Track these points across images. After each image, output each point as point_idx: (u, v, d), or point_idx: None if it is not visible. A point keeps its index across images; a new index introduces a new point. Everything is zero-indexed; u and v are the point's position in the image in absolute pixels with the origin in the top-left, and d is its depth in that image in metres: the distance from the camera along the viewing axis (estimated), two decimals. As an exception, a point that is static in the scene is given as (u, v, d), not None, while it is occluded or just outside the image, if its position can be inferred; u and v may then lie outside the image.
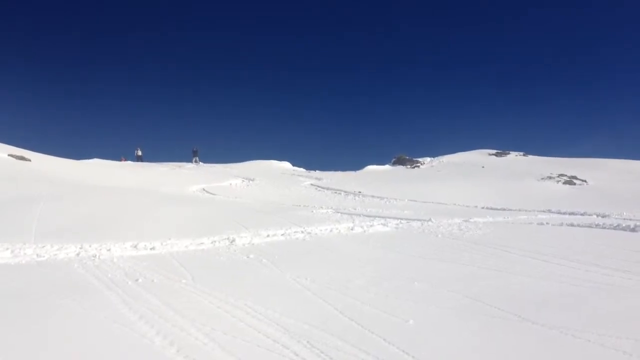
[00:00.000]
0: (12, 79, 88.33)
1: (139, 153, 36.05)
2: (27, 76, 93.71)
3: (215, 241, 9.22)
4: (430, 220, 11.93)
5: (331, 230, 10.63)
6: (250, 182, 24.08)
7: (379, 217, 12.75)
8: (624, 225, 10.54)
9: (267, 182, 24.23)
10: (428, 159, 38.91)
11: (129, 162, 34.17)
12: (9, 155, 21.14)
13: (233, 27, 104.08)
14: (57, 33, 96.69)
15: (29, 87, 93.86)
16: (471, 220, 12.09)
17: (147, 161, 34.98)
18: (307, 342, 4.28)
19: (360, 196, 19.32)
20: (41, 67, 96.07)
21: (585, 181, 24.57)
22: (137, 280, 6.39)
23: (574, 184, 24.14)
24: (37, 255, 7.81)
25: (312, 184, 24.23)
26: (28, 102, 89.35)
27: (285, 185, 23.50)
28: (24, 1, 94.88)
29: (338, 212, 13.71)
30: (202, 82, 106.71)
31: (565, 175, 25.45)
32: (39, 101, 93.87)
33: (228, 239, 9.38)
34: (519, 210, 14.89)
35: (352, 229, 10.80)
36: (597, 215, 13.03)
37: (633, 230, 10.08)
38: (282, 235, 10.00)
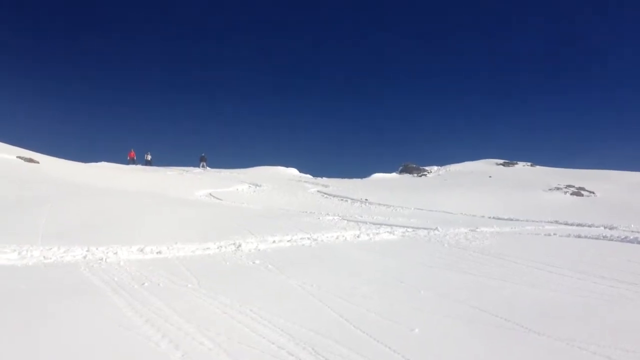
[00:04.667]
0: (21, 82, 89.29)
1: (149, 157, 36.29)
2: (37, 79, 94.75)
3: (221, 246, 9.24)
4: (436, 229, 11.90)
5: (337, 238, 10.62)
6: (257, 187, 24.12)
7: (385, 225, 12.74)
8: (631, 237, 10.47)
9: (274, 188, 24.26)
10: (435, 167, 38.94)
11: (139, 165, 34.34)
12: (17, 157, 21.33)
13: (243, 32, 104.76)
14: (67, 36, 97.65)
15: (38, 90, 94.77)
16: (478, 229, 12.06)
17: (156, 165, 35.18)
18: (312, 349, 4.28)
19: (367, 204, 19.31)
20: (50, 70, 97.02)
21: (593, 192, 24.43)
22: (143, 284, 6.42)
23: (582, 195, 24.01)
24: (44, 257, 7.85)
25: (318, 191, 24.24)
26: (38, 105, 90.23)
27: (292, 191, 23.53)
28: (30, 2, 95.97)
29: (344, 220, 13.70)
30: (212, 87, 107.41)
31: (573, 187, 25.33)
32: (49, 104, 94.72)
33: (234, 244, 9.40)
34: (526, 220, 14.82)
35: (358, 237, 10.79)
36: (605, 227, 12.96)
37: (641, 242, 10.00)
38: (288, 241, 10.01)
